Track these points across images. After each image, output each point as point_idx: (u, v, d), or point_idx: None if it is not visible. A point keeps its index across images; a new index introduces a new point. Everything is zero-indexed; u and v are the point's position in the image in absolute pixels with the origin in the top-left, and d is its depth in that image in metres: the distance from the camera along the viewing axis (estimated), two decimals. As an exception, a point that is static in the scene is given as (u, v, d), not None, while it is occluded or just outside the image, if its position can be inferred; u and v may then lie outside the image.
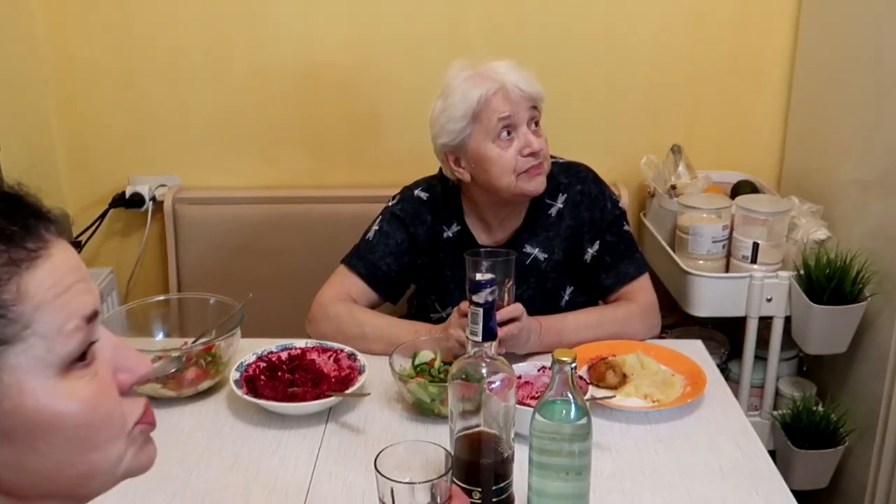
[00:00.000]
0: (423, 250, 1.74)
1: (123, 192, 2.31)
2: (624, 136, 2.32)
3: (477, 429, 1.15)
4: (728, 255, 1.97)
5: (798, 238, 1.92)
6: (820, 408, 1.98)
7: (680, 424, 1.41)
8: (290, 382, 1.50)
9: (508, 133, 1.59)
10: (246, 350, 1.56)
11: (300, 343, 1.59)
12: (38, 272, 0.61)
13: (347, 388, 1.46)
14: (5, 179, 0.70)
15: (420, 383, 1.39)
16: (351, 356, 1.55)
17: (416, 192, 1.77)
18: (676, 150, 2.20)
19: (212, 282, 2.32)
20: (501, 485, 1.17)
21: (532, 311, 1.67)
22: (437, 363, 1.49)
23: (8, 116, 2.11)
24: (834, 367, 2.05)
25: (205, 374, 1.51)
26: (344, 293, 1.71)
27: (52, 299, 0.61)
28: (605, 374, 1.50)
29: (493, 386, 1.12)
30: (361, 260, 1.73)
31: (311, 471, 1.29)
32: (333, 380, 1.51)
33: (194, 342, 1.56)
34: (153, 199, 2.31)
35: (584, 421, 1.09)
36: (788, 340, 1.96)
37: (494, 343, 1.13)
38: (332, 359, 1.56)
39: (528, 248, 1.72)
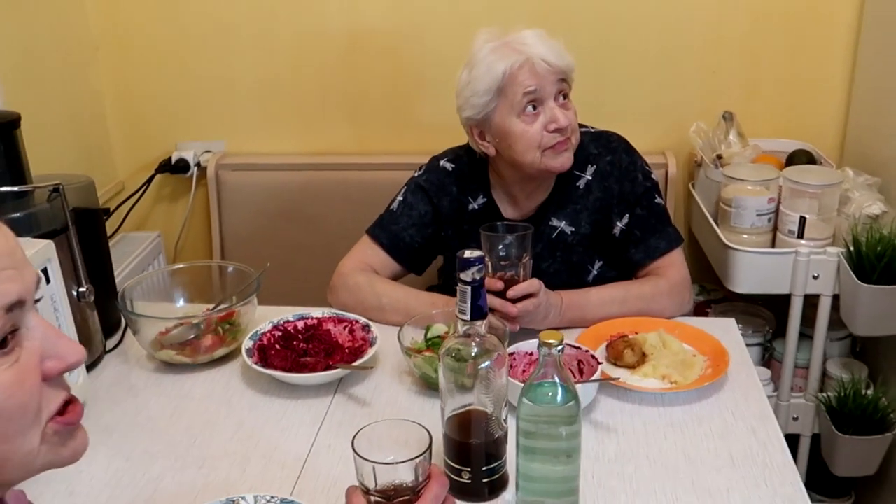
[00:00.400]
0: (446, 222, 1.71)
1: (170, 158, 2.35)
2: (675, 101, 2.22)
3: (468, 408, 1.13)
4: (774, 230, 1.87)
5: (851, 212, 1.81)
6: (870, 391, 1.88)
7: (696, 408, 1.35)
8: (304, 352, 1.50)
9: (534, 107, 1.53)
10: (264, 318, 1.57)
11: (317, 313, 1.58)
12: None
13: (359, 359, 1.45)
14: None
15: (426, 357, 1.37)
16: (365, 328, 1.54)
17: (443, 162, 1.74)
18: (728, 117, 2.10)
19: (253, 247, 2.35)
20: (493, 465, 1.14)
21: (558, 284, 1.63)
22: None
23: (59, 83, 2.16)
24: (888, 349, 1.94)
25: (221, 341, 1.53)
26: (365, 263, 1.69)
27: None
28: (623, 352, 1.45)
29: (482, 365, 1.10)
30: (384, 230, 1.72)
31: (311, 442, 1.29)
32: (347, 351, 1.51)
33: (213, 309, 1.57)
34: (198, 164, 2.34)
35: (571, 404, 1.05)
36: (840, 320, 1.85)
37: (485, 321, 1.10)
38: (347, 329, 1.55)
39: (555, 221, 1.67)
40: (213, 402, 1.42)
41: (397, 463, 0.99)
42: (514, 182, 1.66)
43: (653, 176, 1.68)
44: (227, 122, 2.36)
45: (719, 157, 1.98)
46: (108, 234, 2.27)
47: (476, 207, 1.70)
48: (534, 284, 1.47)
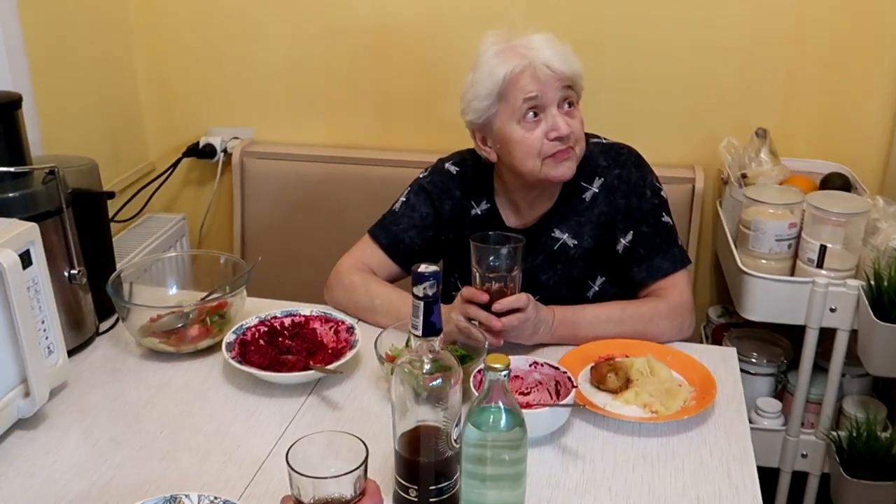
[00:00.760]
0: (448, 226, 1.68)
1: (197, 143, 2.37)
2: (707, 114, 2.15)
3: (418, 424, 1.10)
4: (796, 257, 1.79)
5: (877, 244, 1.72)
6: (887, 434, 1.78)
7: (672, 441, 1.29)
8: (287, 349, 1.49)
9: (535, 114, 1.49)
10: (254, 312, 1.57)
11: (306, 310, 1.57)
12: None
13: (338, 361, 1.44)
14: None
15: (397, 365, 1.35)
16: (349, 329, 1.52)
17: (448, 165, 1.71)
18: (761, 134, 2.01)
19: (273, 236, 2.37)
20: (442, 485, 1.11)
21: (556, 298, 1.59)
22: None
23: (94, 65, 2.20)
24: (911, 390, 1.84)
25: (207, 332, 1.53)
26: (364, 263, 1.68)
27: None
28: (606, 376, 1.40)
29: (433, 383, 1.07)
30: (385, 231, 1.70)
31: (273, 444, 1.28)
32: (330, 351, 1.49)
33: (203, 299, 1.58)
34: (224, 150, 2.36)
35: (516, 430, 1.01)
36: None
37: (439, 338, 1.07)
38: (332, 330, 1.54)
39: (557, 233, 1.62)
40: (189, 393, 1.43)
41: (328, 478, 0.97)
42: (517, 189, 1.62)
43: (662, 193, 1.62)
44: (256, 110, 2.38)
45: (743, 175, 1.91)
46: (135, 213, 2.32)
47: (479, 213, 1.67)
48: (521, 299, 1.43)
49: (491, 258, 1.43)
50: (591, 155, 1.62)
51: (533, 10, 2.13)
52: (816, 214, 1.72)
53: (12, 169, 1.42)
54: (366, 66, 2.26)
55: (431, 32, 2.18)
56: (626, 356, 1.46)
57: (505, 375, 1.00)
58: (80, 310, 1.54)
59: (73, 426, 1.34)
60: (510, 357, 1.37)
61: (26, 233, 1.29)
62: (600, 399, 1.38)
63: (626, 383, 1.40)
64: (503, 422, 1.01)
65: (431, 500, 1.12)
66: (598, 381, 1.41)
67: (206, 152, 2.36)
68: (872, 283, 1.65)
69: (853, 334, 1.74)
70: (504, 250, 1.42)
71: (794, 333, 2.02)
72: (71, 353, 1.51)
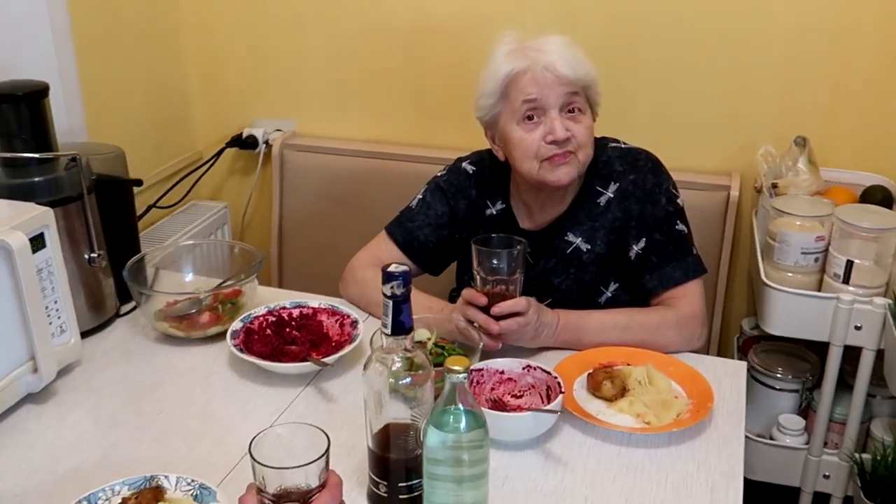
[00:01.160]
0: (462, 225, 1.69)
1: (241, 134, 2.43)
2: (747, 121, 2.08)
3: (388, 422, 1.11)
4: (823, 271, 1.73)
5: (910, 261, 1.65)
6: (914, 459, 1.71)
7: (660, 453, 1.27)
8: (292, 340, 1.52)
9: (534, 116, 1.48)
10: (266, 302, 1.60)
11: (314, 303, 1.60)
12: None
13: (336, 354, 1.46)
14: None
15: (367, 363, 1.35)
16: (353, 324, 1.54)
17: (465, 164, 1.71)
18: (800, 143, 1.95)
19: (309, 228, 2.41)
20: (412, 482, 1.12)
21: (567, 302, 1.58)
22: (429, 344, 1.45)
23: (144, 55, 2.27)
24: (944, 415, 1.75)
25: (217, 319, 1.57)
26: (378, 258, 1.69)
27: None
28: (601, 383, 1.38)
29: (402, 381, 1.08)
30: (400, 227, 1.71)
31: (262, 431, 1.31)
32: (333, 344, 1.52)
33: (218, 286, 1.62)
34: (266, 142, 2.41)
35: (476, 431, 1.01)
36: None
37: (410, 336, 1.08)
38: (338, 323, 1.56)
39: (571, 237, 1.61)
40: (193, 377, 1.47)
41: (287, 468, 0.99)
42: (527, 191, 1.61)
43: (678, 200, 1.59)
44: (298, 104, 2.42)
45: (774, 185, 1.85)
46: (179, 199, 2.39)
47: (494, 213, 1.67)
48: (520, 303, 1.42)
49: (493, 261, 1.42)
50: (609, 159, 1.60)
51: (569, 14, 2.11)
52: (844, 228, 1.65)
53: (36, 155, 1.48)
54: (404, 65, 2.28)
55: (468, 33, 2.18)
56: (628, 364, 1.44)
57: (464, 378, 1.00)
58: (101, 292, 1.60)
59: (79, 403, 1.39)
60: (505, 359, 1.40)
61: (40, 216, 1.35)
62: (594, 406, 1.36)
63: (622, 392, 1.38)
64: (463, 423, 1.01)
65: (401, 496, 1.13)
66: (594, 389, 1.39)
67: (249, 143, 2.42)
68: (900, 301, 1.58)
69: (882, 353, 1.67)
70: (505, 253, 1.42)
71: (824, 350, 1.95)
72: (89, 332, 1.58)
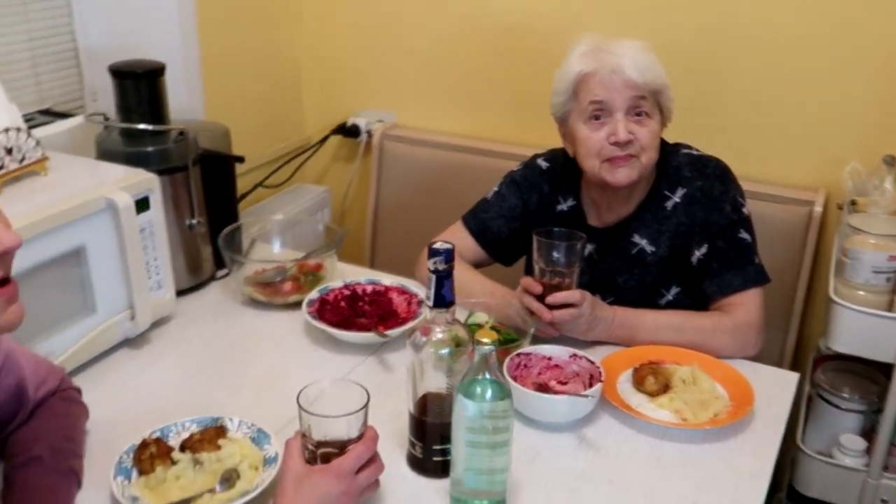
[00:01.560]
0: (533, 219, 1.76)
1: (346, 122, 2.58)
2: (837, 135, 2.06)
3: (427, 389, 1.20)
4: (894, 291, 1.70)
5: None
6: (979, 492, 1.67)
7: (691, 448, 1.31)
8: (363, 313, 1.64)
9: (599, 117, 1.54)
10: (343, 276, 1.73)
11: (387, 281, 1.72)
12: None
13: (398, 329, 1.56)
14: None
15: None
16: (420, 303, 1.64)
17: (539, 160, 1.79)
18: (889, 161, 1.91)
19: (403, 215, 2.53)
20: (445, 446, 1.20)
21: (629, 302, 1.63)
22: (486, 327, 1.53)
23: (262, 44, 2.45)
24: None
25: (298, 289, 1.71)
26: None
27: None
28: (645, 378, 1.43)
29: (441, 351, 1.17)
30: (475, 217, 1.80)
31: (322, 391, 1.43)
32: (400, 320, 1.62)
33: (301, 258, 1.76)
34: (368, 132, 2.55)
35: (501, 401, 1.09)
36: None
37: (451, 309, 1.17)
38: (406, 301, 1.67)
39: (637, 238, 1.66)
40: (270, 339, 1.61)
41: (325, 416, 1.10)
42: (595, 189, 1.67)
43: (744, 210, 1.61)
44: (400, 97, 2.54)
45: (853, 202, 1.83)
46: (284, 180, 2.56)
47: (564, 209, 1.74)
48: (574, 295, 1.48)
49: (552, 253, 1.49)
50: (679, 165, 1.65)
51: (664, 22, 2.14)
52: (920, 249, 1.63)
53: (150, 127, 1.66)
54: (502, 64, 2.36)
55: (565, 34, 2.23)
56: (677, 364, 1.49)
57: (491, 349, 1.08)
58: (199, 256, 1.76)
59: (168, 352, 1.56)
60: (553, 346, 1.47)
61: (146, 182, 1.52)
62: (636, 400, 1.42)
63: (665, 388, 1.43)
64: (490, 393, 1.09)
65: (434, 458, 1.23)
66: (638, 383, 1.44)
67: (352, 132, 2.56)
68: (970, 328, 1.55)
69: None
70: (564, 246, 1.49)
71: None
72: (186, 291, 1.74)
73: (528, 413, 1.35)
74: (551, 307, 1.48)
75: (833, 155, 2.06)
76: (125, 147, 1.66)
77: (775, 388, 1.48)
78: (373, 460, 1.13)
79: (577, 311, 1.49)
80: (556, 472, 1.25)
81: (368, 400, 1.12)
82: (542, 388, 1.42)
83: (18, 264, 1.28)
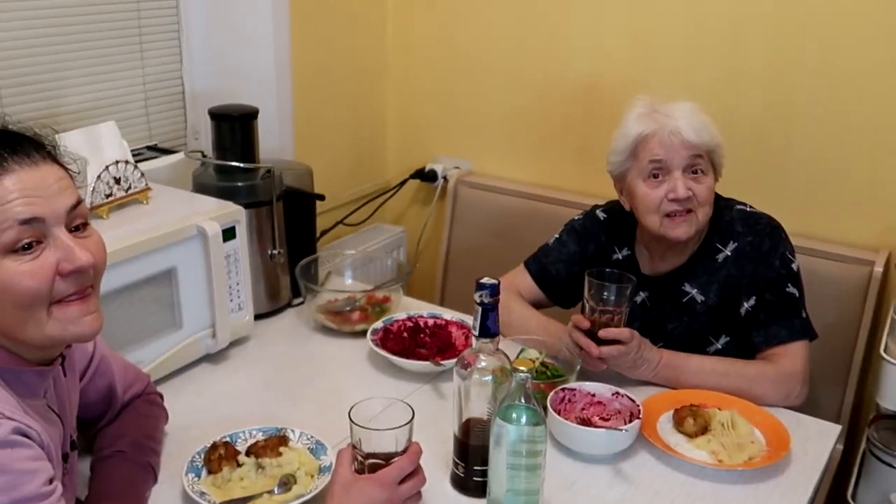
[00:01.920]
0: (590, 265, 1.83)
1: (424, 168, 2.73)
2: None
3: (470, 414, 1.30)
4: (947, 353, 1.72)
5: None
6: None
7: (722, 490, 1.37)
8: (423, 344, 1.75)
9: (659, 175, 1.63)
10: (406, 309, 1.85)
11: (448, 315, 1.83)
12: None
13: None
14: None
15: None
16: (477, 337, 1.75)
17: (598, 211, 1.88)
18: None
19: (473, 257, 2.65)
20: (486, 466, 1.30)
21: (677, 349, 1.70)
22: (536, 363, 1.63)
23: (351, 92, 2.63)
24: None
25: (365, 318, 1.84)
26: (514, 285, 1.89)
27: None
28: (685, 419, 1.50)
29: (484, 378, 1.27)
30: (536, 262, 1.90)
31: (378, 412, 1.54)
32: (457, 352, 1.73)
33: (369, 290, 1.89)
34: (444, 177, 2.69)
35: (535, 427, 1.18)
36: None
37: (495, 340, 1.27)
38: (464, 335, 1.78)
39: (687, 287, 1.73)
40: (336, 362, 1.74)
41: (373, 429, 1.21)
42: (650, 241, 1.75)
43: (793, 265, 1.67)
44: (476, 145, 2.68)
45: (909, 263, 1.86)
46: (362, 220, 2.72)
47: (619, 258, 1.82)
48: (624, 333, 1.56)
49: (603, 293, 1.58)
50: (731, 220, 1.72)
51: (729, 80, 2.21)
52: (972, 312, 1.65)
53: (241, 164, 1.83)
54: (572, 120, 2.47)
55: (633, 92, 2.33)
56: (718, 408, 1.54)
57: (527, 377, 1.18)
58: (277, 283, 1.92)
59: (243, 369, 1.71)
60: (597, 384, 1.55)
61: (234, 213, 1.68)
62: (674, 439, 1.48)
63: (704, 430, 1.48)
64: (525, 418, 1.19)
65: (475, 478, 1.32)
66: (678, 423, 1.51)
67: (430, 176, 2.71)
68: None
69: None
70: (615, 287, 1.57)
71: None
72: (264, 315, 1.90)
73: (569, 444, 1.44)
74: (600, 343, 1.57)
75: (894, 217, 2.09)
76: (218, 181, 1.83)
77: (816, 438, 1.52)
78: (416, 473, 1.23)
79: (625, 348, 1.56)
80: (590, 499, 1.33)
81: (413, 417, 1.22)
82: (585, 422, 1.49)
83: (119, 280, 1.46)
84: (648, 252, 1.78)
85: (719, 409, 1.54)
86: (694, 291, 1.72)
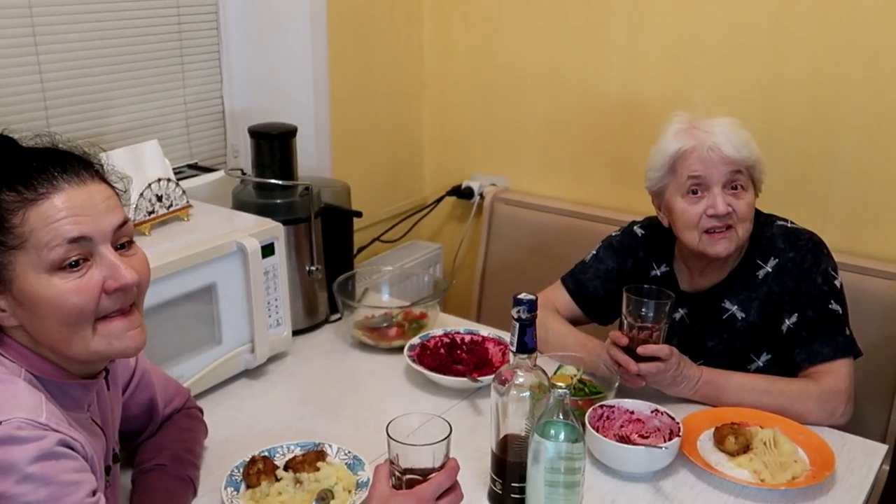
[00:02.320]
0: (628, 281, 1.82)
1: (460, 185, 2.74)
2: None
3: (508, 431, 1.30)
4: None
5: None
6: None
7: (764, 509, 1.35)
8: (459, 360, 1.75)
9: (697, 191, 1.61)
10: (443, 325, 1.86)
11: (484, 332, 1.83)
12: (39, 208, 0.97)
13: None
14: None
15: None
16: (514, 353, 1.74)
17: (636, 227, 1.87)
18: None
19: (508, 273, 2.64)
20: (523, 483, 1.29)
21: (718, 366, 1.68)
22: (574, 380, 1.61)
23: (390, 110, 2.65)
24: None
25: (402, 334, 1.84)
26: (551, 302, 1.88)
27: (43, 226, 0.97)
28: (726, 437, 1.47)
29: (522, 394, 1.27)
30: (573, 278, 1.89)
31: (416, 427, 1.54)
32: (494, 368, 1.72)
33: (406, 307, 1.90)
34: (481, 194, 2.70)
35: (572, 443, 1.18)
36: None
37: (533, 355, 1.27)
38: (501, 351, 1.77)
39: (727, 304, 1.71)
40: (373, 378, 1.75)
41: (409, 445, 1.20)
42: (689, 257, 1.73)
43: (836, 282, 1.64)
44: (513, 162, 2.68)
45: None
46: (399, 236, 2.73)
47: (658, 274, 1.81)
48: (663, 350, 1.54)
49: (642, 309, 1.57)
50: (772, 236, 1.69)
51: (773, 92, 2.19)
52: None
53: (279, 182, 1.85)
54: (609, 137, 2.47)
55: (670, 109, 2.32)
56: (759, 426, 1.52)
57: (565, 393, 1.17)
58: (315, 299, 1.93)
59: (281, 383, 1.72)
60: (636, 401, 1.54)
61: (272, 230, 1.70)
62: (715, 458, 1.46)
63: (745, 449, 1.46)
64: (563, 434, 1.18)
65: (513, 495, 1.31)
66: (719, 442, 1.49)
67: (466, 193, 2.72)
68: None
69: None
70: (653, 303, 1.56)
71: None
72: (302, 331, 1.91)
73: (608, 462, 1.42)
74: (638, 359, 1.55)
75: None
76: (257, 199, 1.85)
77: (861, 457, 1.49)
78: (453, 489, 1.22)
79: (664, 364, 1.55)
80: (628, 516, 1.32)
81: (450, 433, 1.22)
82: (624, 440, 1.48)
83: (160, 296, 1.48)
84: (687, 268, 1.77)
85: (761, 427, 1.52)
86: (734, 308, 1.70)
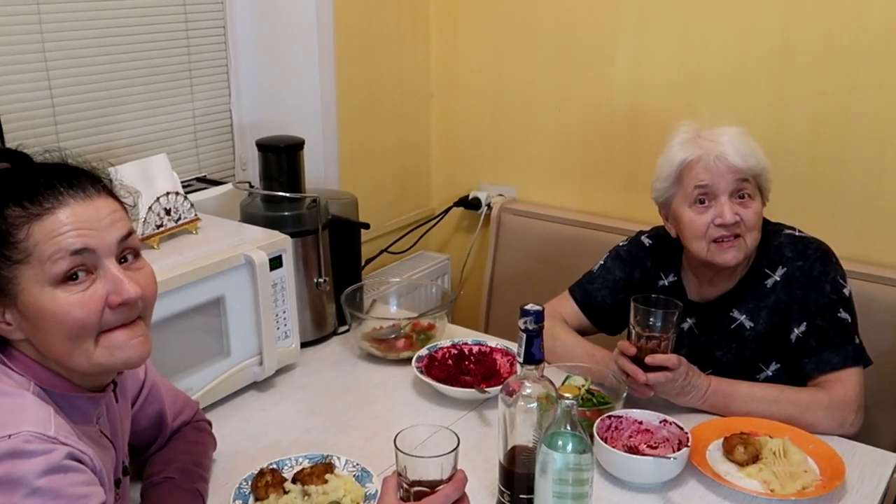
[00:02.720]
0: (636, 292, 1.82)
1: (468, 196, 2.74)
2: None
3: (515, 442, 1.30)
4: None
5: None
6: None
7: (774, 519, 1.34)
8: (467, 371, 1.75)
9: (704, 201, 1.61)
10: (452, 336, 1.86)
11: (492, 343, 1.83)
12: (44, 223, 0.98)
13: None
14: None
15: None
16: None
17: (644, 237, 1.87)
18: None
19: (516, 283, 2.64)
20: (532, 495, 1.29)
21: (726, 376, 1.67)
22: (582, 390, 1.61)
23: (397, 120, 2.66)
24: None
25: (410, 345, 1.85)
26: (558, 312, 1.88)
27: (47, 239, 0.97)
28: (735, 447, 1.47)
29: (529, 405, 1.26)
30: (581, 288, 1.89)
31: (424, 438, 1.54)
32: (502, 379, 1.72)
33: (414, 318, 1.90)
34: (488, 205, 2.70)
35: (580, 454, 1.17)
36: None
37: (540, 366, 1.27)
38: (509, 362, 1.77)
39: (736, 313, 1.70)
40: (381, 389, 1.75)
41: (417, 457, 1.20)
42: (697, 266, 1.73)
43: (844, 290, 1.64)
44: (520, 173, 2.69)
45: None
46: (406, 248, 2.74)
47: (665, 284, 1.80)
48: (671, 359, 1.54)
49: (650, 319, 1.57)
50: (780, 245, 1.69)
51: (780, 102, 2.19)
52: None
53: (287, 194, 1.86)
54: (616, 147, 2.47)
55: (677, 119, 2.32)
56: (769, 436, 1.51)
57: (573, 404, 1.17)
58: (323, 311, 1.93)
59: (290, 395, 1.72)
60: (645, 411, 1.53)
61: (280, 242, 1.71)
62: (724, 468, 1.45)
63: (755, 459, 1.45)
64: (570, 445, 1.18)
65: (520, 506, 1.31)
66: (728, 452, 1.48)
67: (473, 204, 2.72)
68: None
69: None
70: (661, 313, 1.56)
71: None
72: (310, 343, 1.91)
73: (616, 473, 1.42)
74: (647, 369, 1.55)
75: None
76: (265, 211, 1.86)
77: (872, 467, 1.48)
78: (461, 501, 1.21)
79: (673, 374, 1.54)
80: (635, 529, 1.31)
81: (458, 444, 1.22)
82: (632, 450, 1.47)
83: (169, 309, 1.48)
84: (696, 278, 1.76)
85: (770, 437, 1.51)
86: (743, 318, 1.70)
